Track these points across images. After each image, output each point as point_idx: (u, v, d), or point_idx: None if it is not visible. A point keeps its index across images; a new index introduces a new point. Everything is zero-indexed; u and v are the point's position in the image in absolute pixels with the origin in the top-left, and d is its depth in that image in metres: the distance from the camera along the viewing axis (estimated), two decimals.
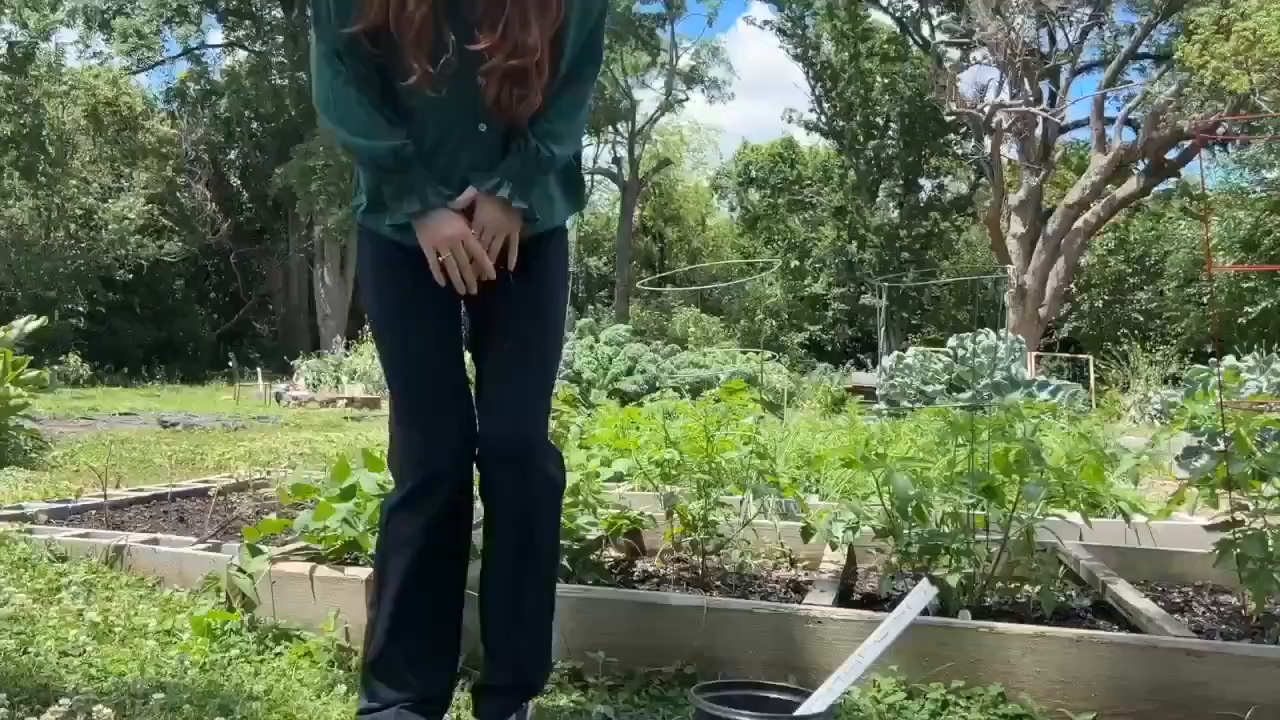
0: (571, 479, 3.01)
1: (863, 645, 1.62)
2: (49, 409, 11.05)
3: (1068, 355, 23.76)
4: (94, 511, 3.91)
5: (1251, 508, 2.39)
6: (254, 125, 31.80)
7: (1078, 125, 22.91)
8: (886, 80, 29.57)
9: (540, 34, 1.70)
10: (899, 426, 5.98)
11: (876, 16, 29.17)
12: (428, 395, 1.88)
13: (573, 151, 1.91)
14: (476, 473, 1.91)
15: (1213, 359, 10.28)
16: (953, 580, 2.40)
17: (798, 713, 1.60)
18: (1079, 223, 19.64)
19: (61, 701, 1.88)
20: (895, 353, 12.08)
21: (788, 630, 2.20)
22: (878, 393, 11.66)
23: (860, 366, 23.59)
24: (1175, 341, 22.89)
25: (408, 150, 1.75)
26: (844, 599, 2.64)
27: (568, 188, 1.94)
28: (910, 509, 2.55)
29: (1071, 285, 23.57)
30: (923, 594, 1.68)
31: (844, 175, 31.82)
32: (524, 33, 1.69)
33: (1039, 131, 21.21)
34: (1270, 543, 2.30)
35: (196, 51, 29.98)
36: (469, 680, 2.06)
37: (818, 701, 1.60)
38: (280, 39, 28.54)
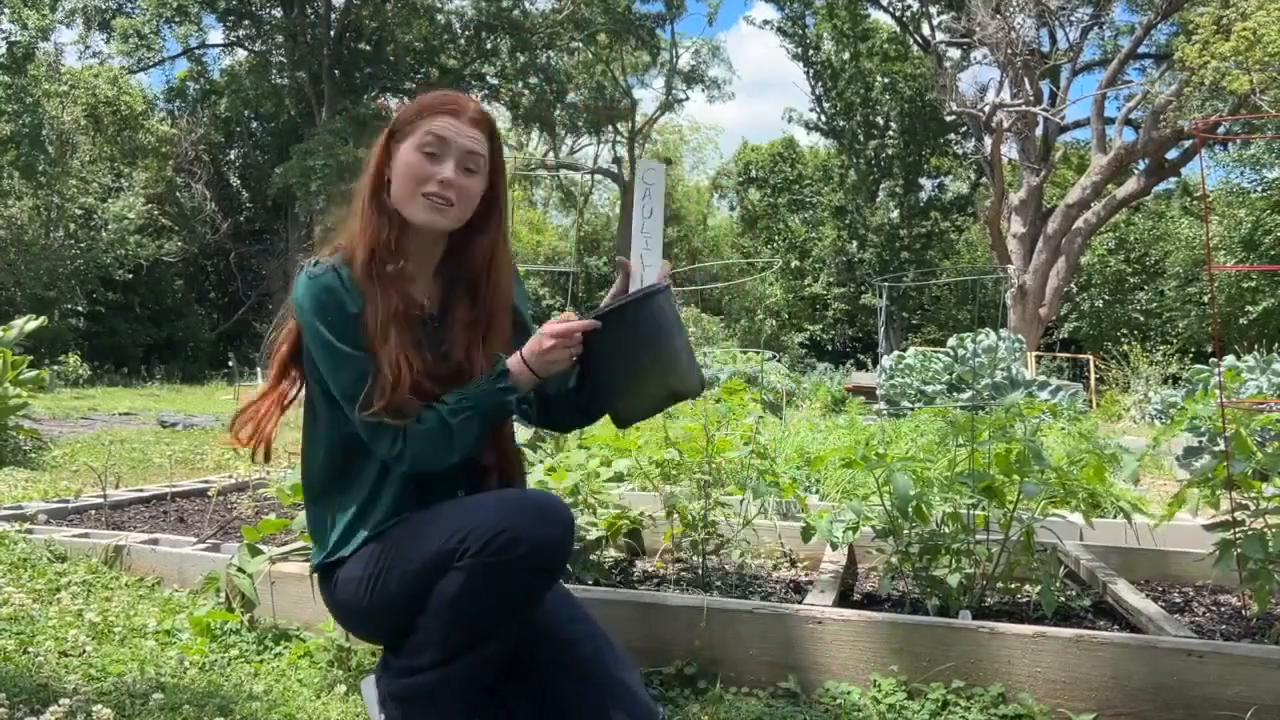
0: (571, 479, 3.01)
1: (635, 223, 1.71)
2: (48, 409, 11.06)
3: (1068, 355, 23.78)
4: (93, 511, 3.90)
5: (1252, 508, 2.39)
6: (254, 125, 31.82)
7: (1078, 125, 22.91)
8: (886, 80, 29.59)
9: None
10: (899, 426, 5.98)
11: (876, 16, 29.19)
12: None
13: None
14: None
15: (1213, 359, 10.27)
16: (953, 580, 2.40)
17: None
18: (1079, 222, 19.63)
19: (61, 701, 1.88)
20: (895, 353, 12.06)
21: (788, 630, 2.20)
22: (878, 393, 11.64)
23: (860, 366, 23.53)
24: (1175, 341, 22.87)
25: None
26: (844, 599, 2.64)
27: None
28: (911, 509, 2.55)
29: (1071, 285, 23.57)
30: (656, 171, 1.76)
31: (844, 175, 31.83)
32: None
33: (1039, 131, 21.20)
34: (1270, 542, 2.30)
35: (196, 51, 29.99)
36: None
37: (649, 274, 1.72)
38: (280, 39, 28.51)
